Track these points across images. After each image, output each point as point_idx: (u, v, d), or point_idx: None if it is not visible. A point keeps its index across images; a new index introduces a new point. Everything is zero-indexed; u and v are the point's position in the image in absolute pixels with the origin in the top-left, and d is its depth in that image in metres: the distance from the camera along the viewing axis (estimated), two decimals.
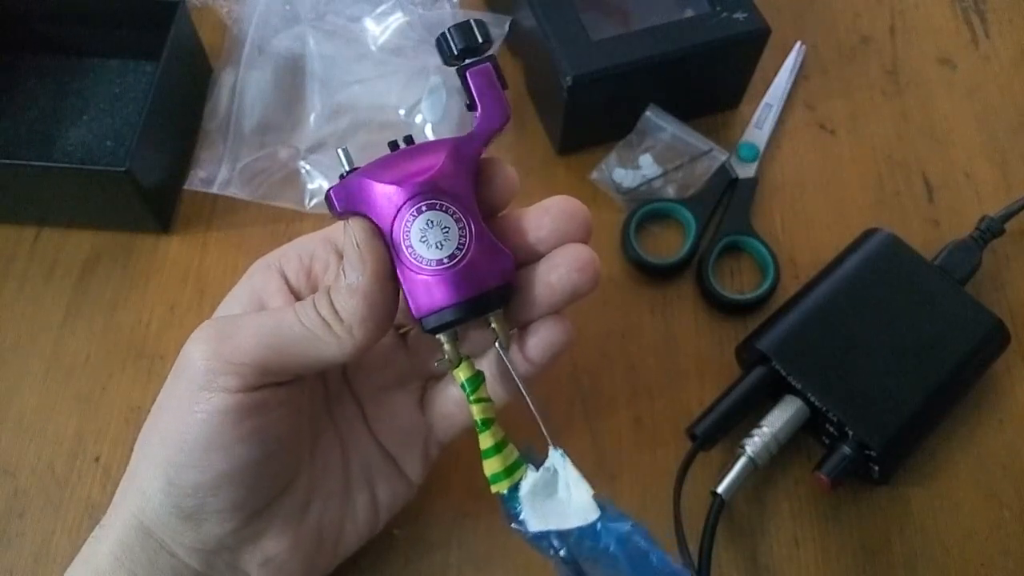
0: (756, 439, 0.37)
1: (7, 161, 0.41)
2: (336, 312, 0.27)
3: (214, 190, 0.45)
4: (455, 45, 0.28)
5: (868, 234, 0.42)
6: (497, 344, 0.29)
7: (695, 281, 0.44)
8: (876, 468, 0.36)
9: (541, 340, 0.30)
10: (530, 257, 0.30)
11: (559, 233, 0.30)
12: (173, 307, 0.43)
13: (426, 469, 0.35)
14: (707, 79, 0.48)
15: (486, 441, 0.29)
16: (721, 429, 0.38)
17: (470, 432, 0.30)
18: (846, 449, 0.36)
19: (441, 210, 0.27)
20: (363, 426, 0.34)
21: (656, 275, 0.44)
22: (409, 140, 0.29)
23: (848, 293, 0.39)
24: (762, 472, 0.38)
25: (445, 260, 0.27)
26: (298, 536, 0.31)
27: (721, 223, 0.45)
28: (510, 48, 0.51)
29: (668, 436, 0.39)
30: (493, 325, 0.29)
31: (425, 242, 0.27)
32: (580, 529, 0.28)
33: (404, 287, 0.28)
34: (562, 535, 0.28)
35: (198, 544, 0.29)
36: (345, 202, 0.28)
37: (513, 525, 0.29)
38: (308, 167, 0.46)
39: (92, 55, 0.50)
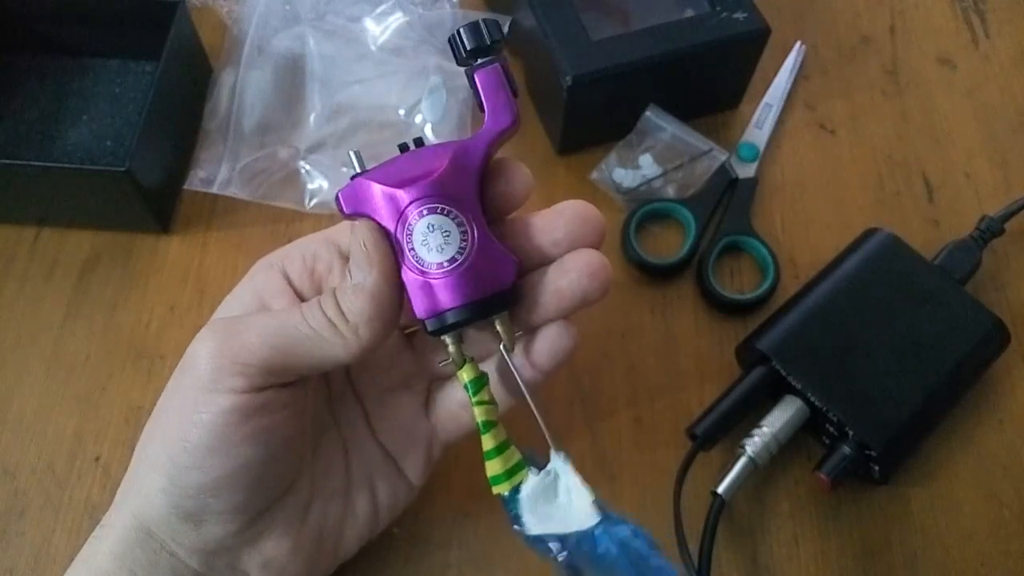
0: (756, 439, 0.37)
1: (7, 161, 0.41)
2: (342, 313, 0.27)
3: (214, 190, 0.45)
4: (464, 45, 0.28)
5: (868, 234, 0.42)
6: (501, 347, 0.29)
7: (695, 281, 0.44)
8: (876, 468, 0.36)
9: (548, 346, 0.30)
10: (540, 261, 0.30)
11: (572, 237, 0.30)
12: (173, 307, 0.43)
13: (428, 471, 0.34)
14: (707, 79, 0.48)
15: (488, 443, 0.29)
16: (721, 429, 0.38)
17: (474, 434, 0.30)
18: (846, 449, 0.36)
19: (442, 214, 0.28)
20: (366, 427, 0.34)
21: (656, 275, 0.44)
22: (419, 142, 0.29)
23: (848, 293, 0.39)
24: (762, 472, 0.38)
25: (446, 263, 0.27)
26: (299, 538, 0.31)
27: (721, 223, 0.45)
28: (510, 48, 0.50)
29: (668, 436, 0.39)
30: (498, 328, 0.29)
31: (426, 245, 0.27)
32: (579, 533, 0.28)
33: (407, 289, 0.28)
34: (561, 538, 0.28)
35: (198, 544, 0.29)
36: (351, 204, 0.28)
37: (514, 527, 0.29)
38: (308, 167, 0.46)
39: (92, 55, 0.50)
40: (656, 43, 0.44)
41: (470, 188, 0.28)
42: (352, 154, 0.29)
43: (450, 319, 0.28)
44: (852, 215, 0.46)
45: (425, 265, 0.28)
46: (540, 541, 0.29)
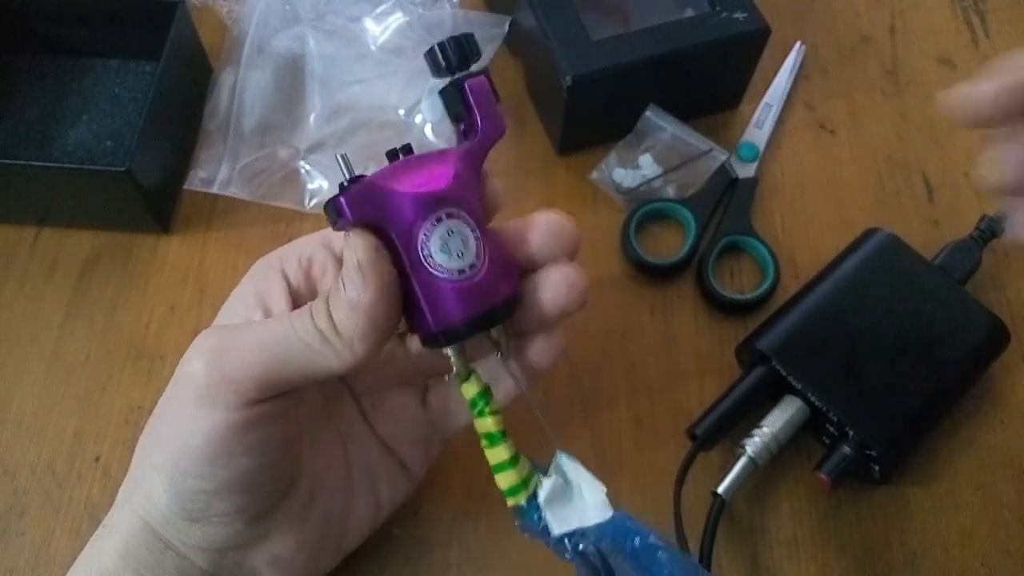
0: (756, 439, 0.37)
1: (7, 161, 0.41)
2: (334, 325, 0.26)
3: (214, 190, 0.45)
4: (454, 57, 0.28)
5: (868, 234, 0.42)
6: (499, 355, 0.29)
7: (695, 281, 0.44)
8: (876, 468, 0.36)
9: (536, 353, 0.31)
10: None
11: (547, 250, 0.30)
12: (173, 307, 0.43)
13: (428, 463, 0.35)
14: (707, 79, 0.48)
15: (503, 453, 0.29)
16: (721, 429, 0.38)
17: (471, 428, 0.30)
18: (846, 449, 0.36)
19: (459, 219, 0.27)
20: (363, 424, 0.34)
21: (656, 275, 0.44)
22: (408, 149, 0.28)
23: (848, 293, 0.39)
24: (762, 472, 0.38)
25: (467, 270, 0.27)
26: (303, 534, 0.31)
27: (721, 223, 0.45)
28: (510, 48, 0.51)
29: (668, 436, 0.39)
30: (494, 335, 0.29)
31: (446, 251, 0.27)
32: (600, 528, 0.28)
33: (423, 298, 0.27)
34: (583, 534, 0.28)
35: (205, 544, 0.29)
36: (359, 211, 0.26)
37: (529, 533, 0.29)
38: (308, 167, 0.46)
39: (92, 55, 0.50)
40: (656, 43, 0.44)
41: (474, 195, 0.28)
42: (340, 158, 0.27)
43: (465, 328, 0.27)
44: (852, 215, 0.46)
45: (445, 272, 0.27)
46: (561, 541, 0.28)
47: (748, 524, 0.38)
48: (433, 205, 0.27)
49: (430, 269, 0.27)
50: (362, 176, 0.27)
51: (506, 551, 0.37)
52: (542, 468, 0.30)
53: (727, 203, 0.46)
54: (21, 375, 0.41)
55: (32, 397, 0.40)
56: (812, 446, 0.39)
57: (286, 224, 0.45)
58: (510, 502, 0.29)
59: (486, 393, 0.29)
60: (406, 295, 0.27)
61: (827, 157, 0.49)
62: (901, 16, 0.55)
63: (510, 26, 0.49)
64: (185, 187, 0.45)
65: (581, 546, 0.28)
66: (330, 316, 0.26)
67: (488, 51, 0.48)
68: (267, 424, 0.28)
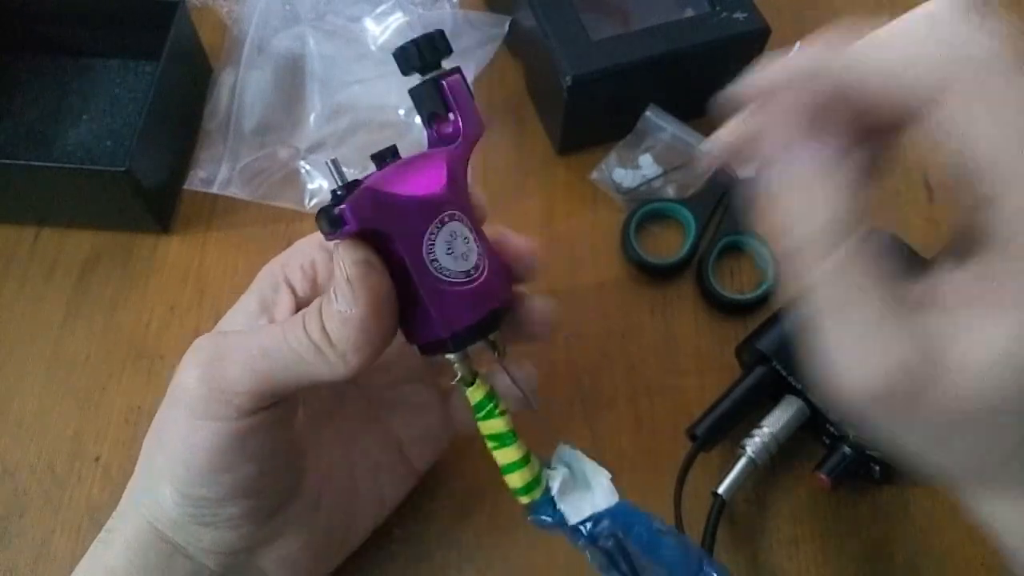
0: (756, 439, 0.37)
1: (7, 161, 0.41)
2: (327, 336, 0.25)
3: (214, 190, 0.45)
4: (427, 54, 0.27)
5: (868, 234, 0.42)
6: (496, 355, 0.29)
7: (695, 281, 0.44)
8: (876, 468, 0.36)
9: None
10: None
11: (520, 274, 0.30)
12: (173, 307, 0.43)
13: (433, 458, 0.35)
14: (707, 79, 0.47)
15: (515, 453, 0.28)
16: (721, 429, 0.38)
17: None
18: (846, 449, 0.36)
19: (460, 221, 0.27)
20: (370, 422, 0.34)
21: (656, 275, 0.44)
22: (394, 152, 0.27)
23: None
24: (762, 472, 0.38)
25: (472, 272, 0.27)
26: (310, 534, 0.31)
27: (721, 223, 0.45)
28: (510, 48, 0.51)
29: (668, 436, 0.39)
30: (490, 336, 0.29)
31: (452, 255, 0.26)
32: (614, 513, 0.28)
33: (431, 304, 0.26)
34: (599, 521, 0.28)
35: (214, 547, 0.29)
36: (362, 219, 0.25)
37: (543, 527, 0.29)
38: (308, 167, 0.46)
39: (92, 55, 0.50)
40: (656, 43, 0.44)
41: (466, 197, 0.28)
42: (330, 164, 0.26)
43: (476, 332, 0.27)
44: None
45: (452, 276, 0.26)
46: (577, 531, 0.28)
47: (748, 524, 0.38)
48: (435, 208, 0.26)
49: (436, 274, 0.26)
50: (357, 182, 0.25)
51: (506, 551, 0.37)
52: (544, 461, 0.30)
53: (727, 203, 0.46)
54: (21, 375, 0.41)
55: (32, 397, 0.40)
56: (812, 446, 0.39)
57: (286, 224, 0.45)
58: (524, 500, 0.29)
59: (494, 394, 0.29)
60: (406, 303, 0.26)
61: None
62: None
63: (510, 26, 0.49)
64: (185, 187, 0.45)
65: (597, 532, 0.28)
66: (323, 327, 0.26)
67: (488, 51, 0.48)
68: (266, 431, 0.28)
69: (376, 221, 0.25)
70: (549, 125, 0.48)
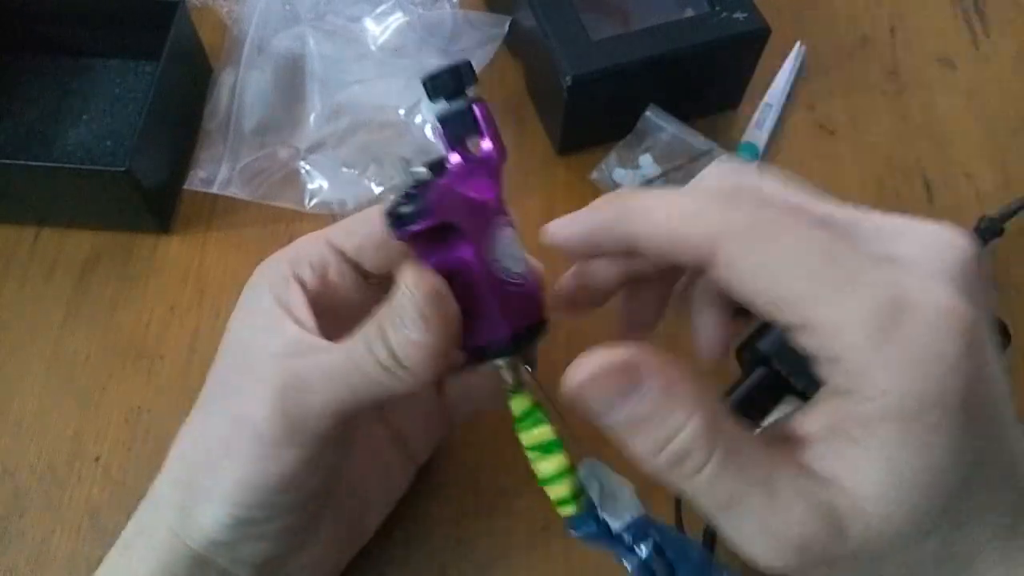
0: None
1: (7, 161, 0.41)
2: (397, 359, 0.26)
3: (214, 190, 0.45)
4: (457, 81, 0.28)
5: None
6: (530, 369, 0.29)
7: None
8: None
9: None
10: None
11: None
12: (173, 307, 0.43)
13: (432, 449, 0.36)
14: (707, 79, 0.48)
15: (562, 460, 0.28)
16: None
17: (476, 419, 0.30)
18: None
19: (511, 227, 0.28)
20: (376, 420, 0.34)
21: None
22: (443, 163, 0.28)
23: None
24: None
25: (527, 275, 0.28)
26: (335, 533, 0.32)
27: None
28: (510, 48, 0.51)
29: None
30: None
31: (512, 257, 0.27)
32: (645, 523, 0.28)
33: (494, 300, 0.27)
34: (638, 530, 0.28)
35: (250, 559, 0.29)
36: (444, 210, 0.25)
37: (587, 539, 0.28)
38: (308, 167, 0.46)
39: (92, 55, 0.50)
40: (656, 43, 0.44)
41: (506, 210, 0.28)
42: (400, 161, 0.27)
43: (531, 334, 0.27)
44: None
45: (511, 276, 0.27)
46: (620, 540, 0.28)
47: None
48: (494, 211, 0.27)
49: (499, 274, 0.27)
50: (429, 182, 0.26)
51: (506, 551, 0.37)
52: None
53: None
54: (21, 375, 0.41)
55: (32, 397, 0.40)
56: None
57: (286, 224, 0.45)
58: (569, 511, 0.28)
59: (539, 402, 0.28)
60: (464, 308, 0.27)
61: (827, 157, 0.49)
62: (901, 16, 0.55)
63: (510, 26, 0.49)
64: (185, 187, 0.45)
65: (638, 541, 0.28)
66: (391, 352, 0.26)
67: (488, 51, 0.48)
68: (336, 446, 0.28)
69: (454, 215, 0.26)
70: (549, 125, 0.48)
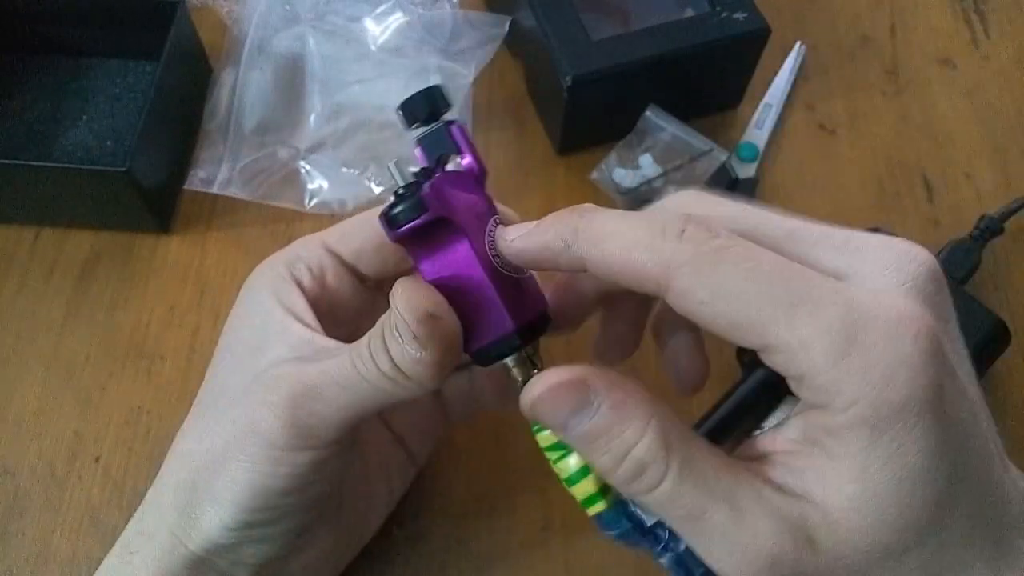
0: None
1: (7, 161, 0.41)
2: (401, 371, 0.26)
3: (214, 190, 0.45)
4: (431, 105, 0.28)
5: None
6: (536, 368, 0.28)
7: None
8: None
9: None
10: None
11: None
12: (173, 307, 0.43)
13: (431, 448, 0.36)
14: (707, 79, 0.48)
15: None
16: (722, 431, 0.37)
17: (476, 420, 0.30)
18: None
19: (503, 225, 0.28)
20: (376, 421, 0.34)
21: None
22: (429, 172, 0.28)
23: None
24: None
25: (523, 270, 0.28)
26: (337, 533, 0.32)
27: None
28: (510, 48, 0.51)
29: None
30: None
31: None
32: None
33: (497, 294, 0.26)
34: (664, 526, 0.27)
35: (252, 560, 0.29)
36: (441, 204, 0.26)
37: (619, 536, 0.27)
38: (308, 167, 0.46)
39: (92, 55, 0.50)
40: (656, 43, 0.44)
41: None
42: (392, 166, 0.27)
43: (536, 327, 0.27)
44: (852, 215, 0.46)
45: (510, 270, 0.27)
46: (656, 535, 0.26)
47: None
48: (487, 209, 0.27)
49: (499, 268, 0.27)
50: (421, 181, 0.26)
51: (506, 551, 0.37)
52: None
53: None
54: (21, 375, 0.41)
55: (32, 397, 0.40)
56: None
57: (286, 224, 0.45)
58: (598, 508, 0.27)
59: None
60: (465, 310, 0.26)
61: (827, 157, 0.49)
62: (901, 16, 0.55)
63: (510, 26, 0.49)
64: (185, 187, 0.45)
65: (674, 536, 0.27)
66: (393, 363, 0.25)
67: (488, 51, 0.48)
68: (345, 450, 0.28)
69: (450, 210, 0.26)
70: (549, 125, 0.48)
